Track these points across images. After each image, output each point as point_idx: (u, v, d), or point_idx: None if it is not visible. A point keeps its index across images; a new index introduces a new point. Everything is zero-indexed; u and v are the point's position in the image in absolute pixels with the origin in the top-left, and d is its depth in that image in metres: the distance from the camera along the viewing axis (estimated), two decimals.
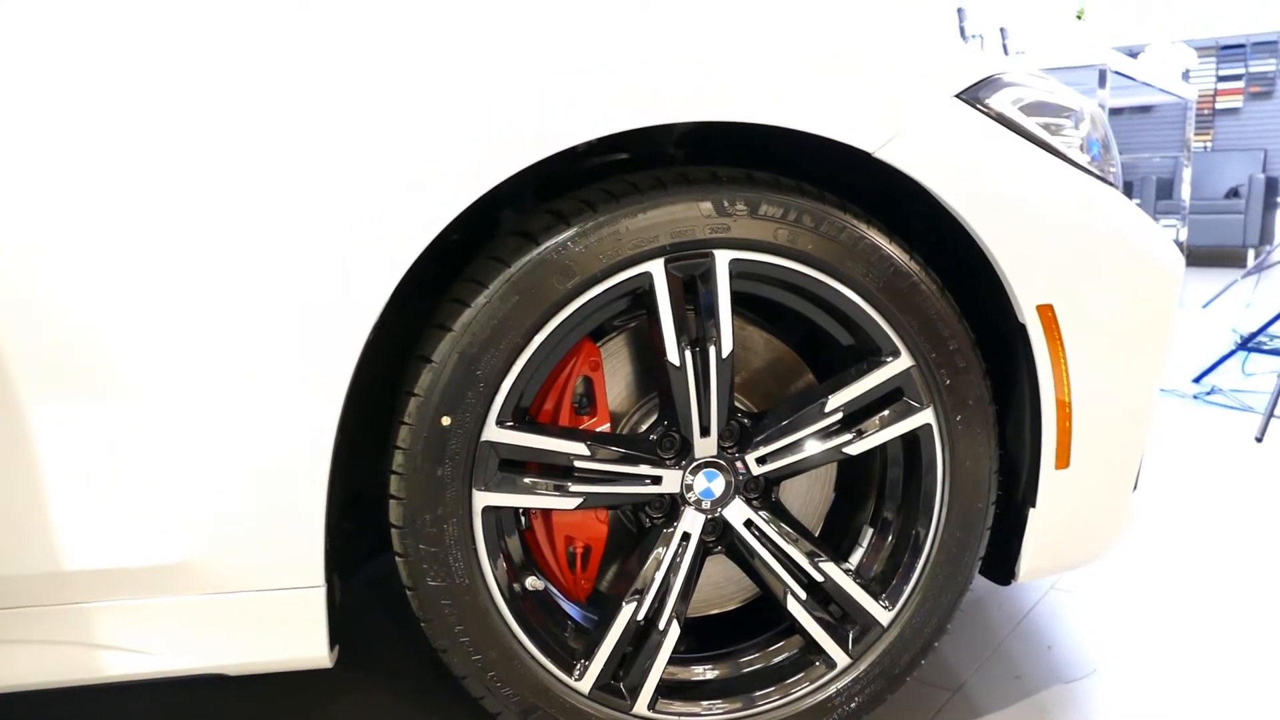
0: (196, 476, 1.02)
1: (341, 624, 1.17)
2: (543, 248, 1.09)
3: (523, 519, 1.26)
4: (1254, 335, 3.94)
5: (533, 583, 1.25)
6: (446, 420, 1.09)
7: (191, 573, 1.05)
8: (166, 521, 1.03)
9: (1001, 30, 4.72)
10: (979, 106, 1.19)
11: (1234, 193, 8.88)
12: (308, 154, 0.99)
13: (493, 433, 1.11)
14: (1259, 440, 2.96)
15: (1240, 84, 9.25)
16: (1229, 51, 9.21)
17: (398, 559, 1.14)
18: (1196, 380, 3.73)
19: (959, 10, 4.76)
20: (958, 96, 1.18)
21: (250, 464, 1.03)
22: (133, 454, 1.01)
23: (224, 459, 1.02)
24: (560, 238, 1.09)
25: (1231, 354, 3.84)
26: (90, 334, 0.98)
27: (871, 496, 1.38)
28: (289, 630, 1.09)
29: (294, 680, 1.54)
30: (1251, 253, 8.47)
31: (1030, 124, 1.23)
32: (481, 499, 1.13)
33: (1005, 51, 4.63)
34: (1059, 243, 1.22)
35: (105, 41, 0.96)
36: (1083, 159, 1.28)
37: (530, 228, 1.11)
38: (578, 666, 1.21)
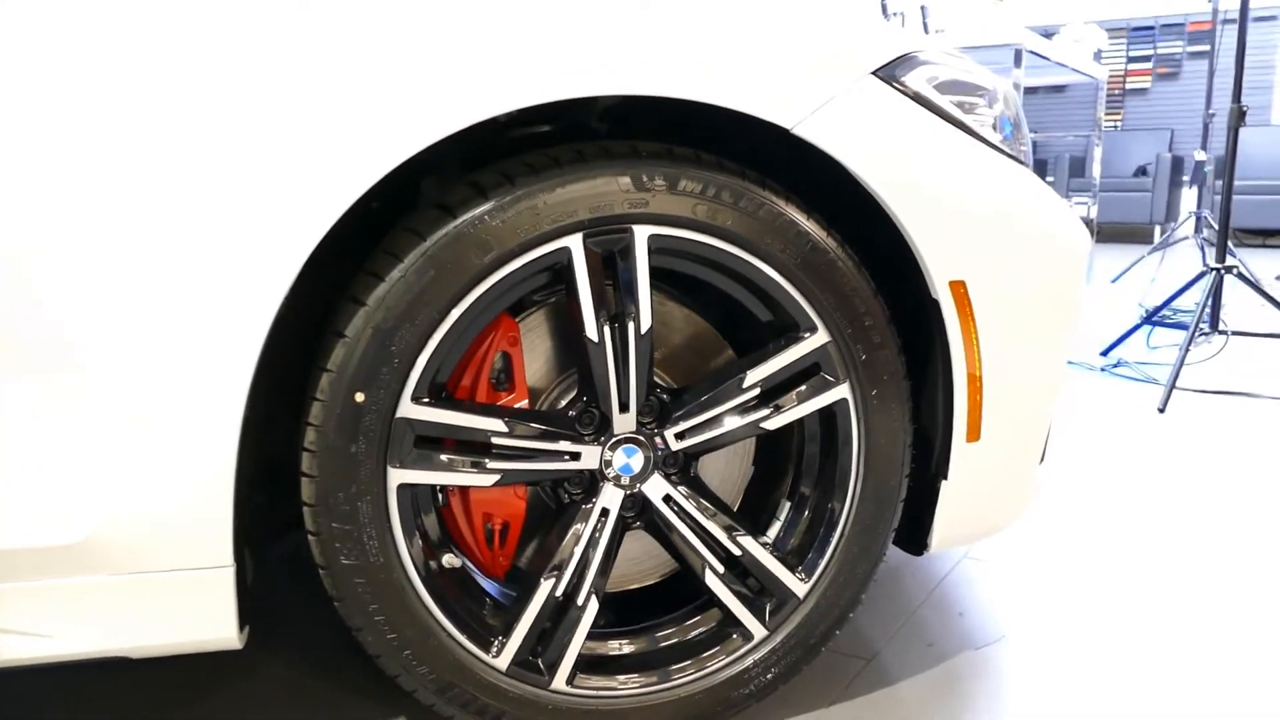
0: (94, 451, 0.99)
1: (255, 600, 1.14)
2: (460, 221, 1.07)
3: (440, 496, 1.25)
4: (1158, 310, 4.08)
5: (450, 560, 1.23)
6: (360, 397, 1.07)
7: (91, 552, 1.01)
8: (63, 499, 0.99)
9: (922, 9, 4.78)
10: (895, 84, 1.20)
11: (1142, 171, 9.17)
12: (214, 115, 0.95)
13: (408, 409, 1.10)
14: (1161, 411, 3.07)
15: (1149, 65, 9.54)
16: (1139, 33, 9.47)
17: (310, 537, 1.12)
18: (1104, 353, 3.85)
19: None
20: (874, 74, 1.18)
21: (152, 439, 0.99)
22: (25, 428, 0.97)
23: (124, 433, 0.99)
24: (477, 211, 1.07)
25: (1137, 328, 3.97)
26: None
27: (790, 471, 1.39)
28: (196, 611, 1.06)
29: (203, 657, 1.51)
30: (1158, 229, 8.77)
31: (945, 102, 1.25)
32: (397, 476, 1.11)
33: (925, 30, 4.68)
34: (971, 220, 1.24)
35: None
36: (995, 138, 1.30)
37: (448, 200, 1.09)
38: (495, 643, 1.20)
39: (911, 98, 1.21)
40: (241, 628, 1.10)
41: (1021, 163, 1.33)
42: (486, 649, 1.20)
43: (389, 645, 1.16)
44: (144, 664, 1.46)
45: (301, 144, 0.97)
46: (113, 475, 0.99)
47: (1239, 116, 3.47)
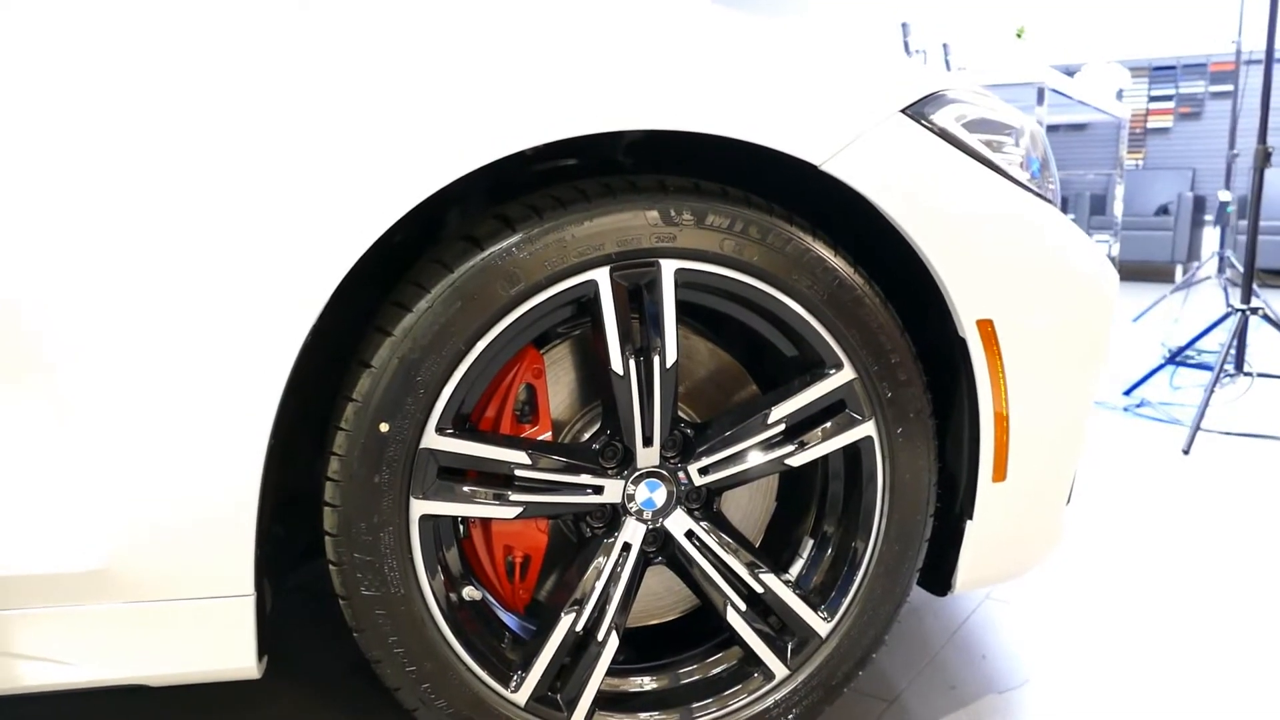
0: (118, 479, 0.99)
1: (273, 629, 1.14)
2: (487, 253, 1.07)
3: (461, 527, 1.24)
4: (1182, 350, 4.04)
5: (470, 593, 1.23)
6: (384, 427, 1.07)
7: (112, 579, 1.01)
8: (86, 526, 0.99)
9: (944, 46, 4.80)
10: (924, 122, 1.20)
11: (1164, 210, 9.13)
12: (245, 149, 0.96)
13: (432, 440, 1.09)
14: (1185, 453, 3.03)
15: (1171, 104, 9.52)
16: (1161, 73, 9.47)
17: (331, 567, 1.11)
18: (1127, 393, 3.81)
19: (903, 25, 4.83)
20: (903, 112, 1.18)
21: (177, 467, 0.99)
22: (50, 454, 0.97)
23: (149, 462, 0.99)
24: (505, 243, 1.08)
25: (1160, 368, 3.94)
26: (4, 326, 0.94)
27: (813, 507, 1.38)
28: (215, 640, 1.06)
29: (221, 688, 1.50)
30: (1180, 268, 8.72)
31: (973, 140, 1.25)
32: (419, 507, 1.11)
33: (947, 67, 4.70)
34: (999, 259, 1.23)
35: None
36: (1023, 176, 1.30)
37: (476, 232, 1.09)
38: (514, 678, 1.19)
39: (940, 135, 1.21)
40: (260, 657, 1.09)
41: (1049, 201, 1.32)
42: (505, 684, 1.19)
43: (408, 678, 1.15)
44: (157, 692, 1.45)
45: (331, 177, 0.98)
46: (135, 502, 0.99)
47: (1265, 157, 3.45)
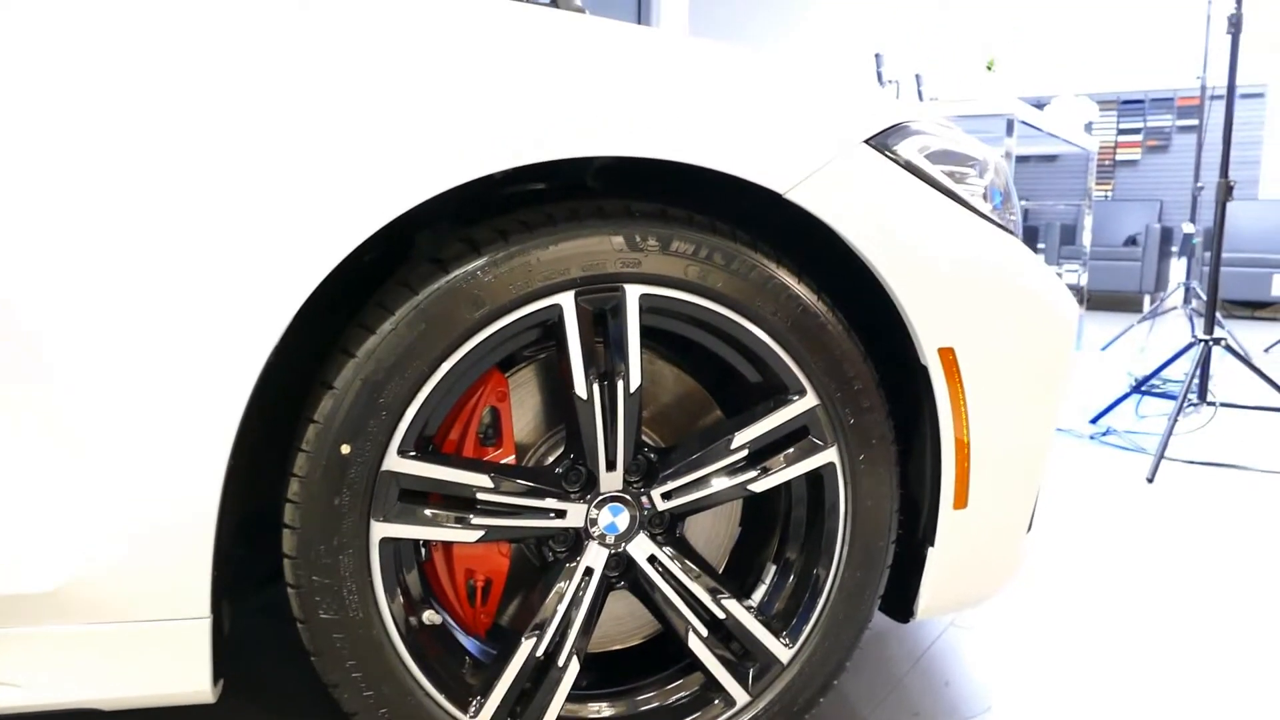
0: (73, 499, 0.97)
1: (230, 651, 1.12)
2: (452, 276, 1.07)
3: (423, 550, 1.23)
4: (1147, 379, 4.09)
5: (430, 617, 1.22)
6: (346, 449, 1.06)
7: (64, 601, 1.00)
8: (36, 546, 0.98)
9: (917, 77, 4.86)
10: (887, 153, 1.21)
11: (1132, 240, 9.26)
12: (212, 163, 0.96)
13: (394, 462, 1.09)
14: (1149, 481, 3.07)
15: (1139, 137, 9.68)
16: (1129, 106, 9.63)
17: (289, 590, 1.10)
18: (1093, 421, 3.86)
19: (877, 55, 4.89)
20: (867, 142, 1.20)
21: (133, 488, 0.98)
22: (1, 473, 0.96)
23: (104, 482, 0.98)
24: (470, 266, 1.08)
25: (1126, 396, 3.98)
26: None
27: (776, 532, 1.38)
28: (170, 663, 1.04)
29: (180, 709, 1.47)
30: (1147, 298, 8.83)
31: (936, 172, 1.26)
32: (380, 530, 1.10)
33: (920, 97, 4.76)
34: (961, 288, 1.25)
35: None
36: (985, 207, 1.32)
37: (441, 255, 1.09)
38: (474, 703, 1.18)
39: (903, 166, 1.22)
40: (215, 681, 1.08)
41: (1011, 232, 1.34)
42: (464, 709, 1.18)
43: (365, 703, 1.14)
44: (114, 716, 1.43)
45: (294, 197, 0.98)
46: (90, 523, 0.98)
47: (1226, 191, 3.52)
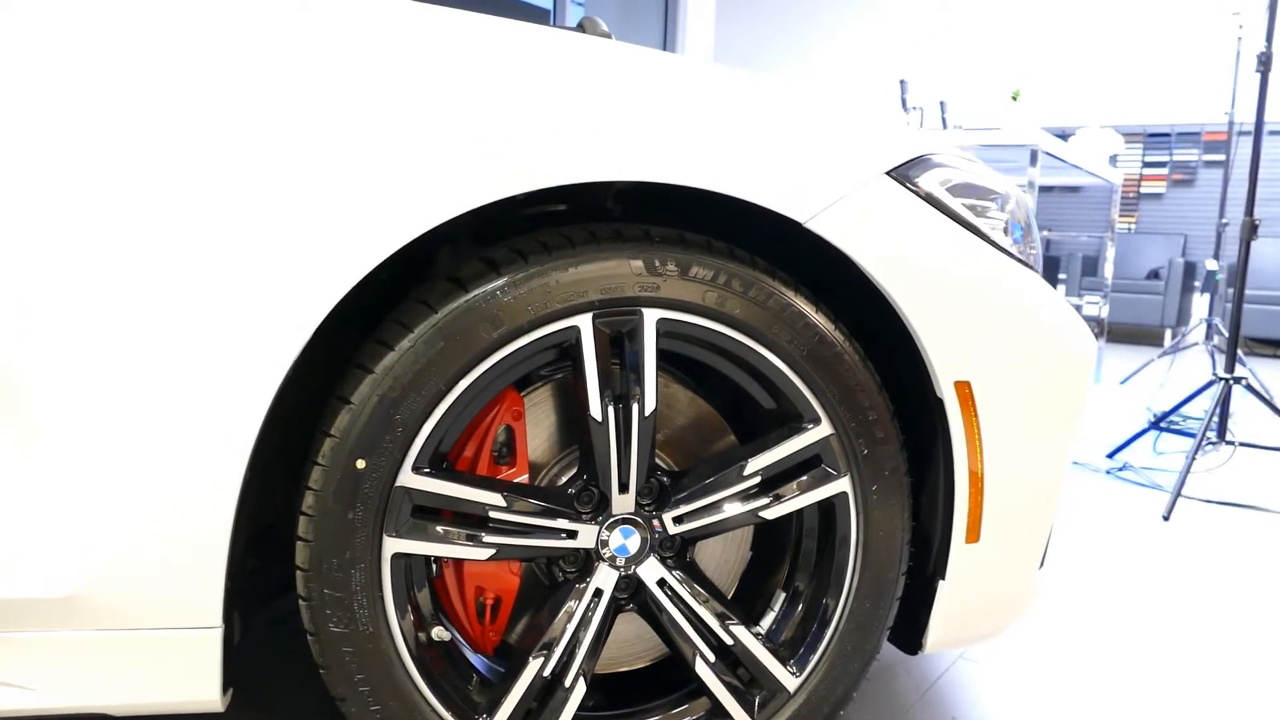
0: (90, 506, 0.99)
1: (246, 661, 1.13)
2: (471, 295, 1.08)
3: (433, 567, 1.24)
4: (1166, 415, 4.06)
5: (439, 633, 1.22)
6: (361, 463, 1.07)
7: (78, 607, 1.01)
8: (56, 553, 0.99)
9: (941, 104, 4.87)
10: (908, 185, 1.22)
11: (1154, 274, 9.21)
12: (227, 183, 0.97)
13: (408, 478, 1.10)
14: (1165, 519, 3.04)
15: (1164, 171, 9.64)
16: (1155, 139, 9.59)
17: (301, 602, 1.11)
18: (1110, 455, 3.83)
19: (902, 82, 4.90)
20: (888, 174, 1.21)
21: (150, 497, 0.99)
22: (19, 479, 0.97)
23: (121, 490, 0.99)
24: (490, 286, 1.09)
25: (1144, 432, 3.95)
26: None
27: (786, 559, 1.38)
28: (181, 671, 1.05)
29: (188, 718, 1.48)
30: (1169, 333, 8.78)
31: (957, 205, 1.27)
32: (392, 545, 1.11)
33: (944, 125, 4.77)
34: (979, 322, 1.25)
35: None
36: (1005, 241, 1.32)
37: (461, 274, 1.10)
38: None
39: (924, 199, 1.23)
40: (225, 690, 1.09)
41: (1030, 267, 1.34)
42: None
43: (372, 717, 1.14)
44: None
45: (318, 214, 0.99)
46: (106, 531, 0.99)
47: (1251, 229, 3.50)
